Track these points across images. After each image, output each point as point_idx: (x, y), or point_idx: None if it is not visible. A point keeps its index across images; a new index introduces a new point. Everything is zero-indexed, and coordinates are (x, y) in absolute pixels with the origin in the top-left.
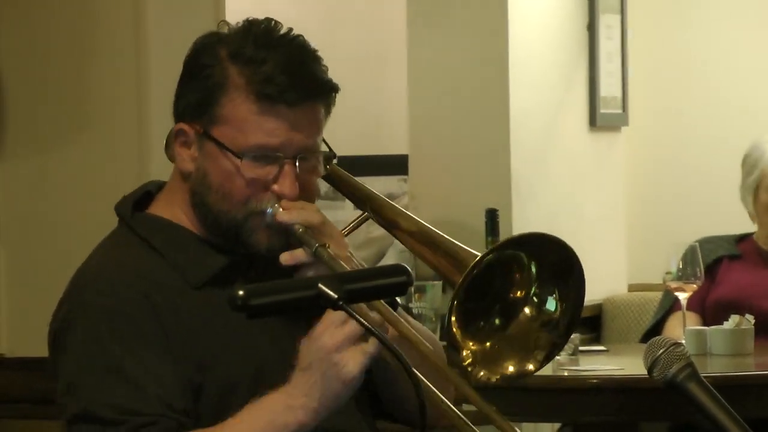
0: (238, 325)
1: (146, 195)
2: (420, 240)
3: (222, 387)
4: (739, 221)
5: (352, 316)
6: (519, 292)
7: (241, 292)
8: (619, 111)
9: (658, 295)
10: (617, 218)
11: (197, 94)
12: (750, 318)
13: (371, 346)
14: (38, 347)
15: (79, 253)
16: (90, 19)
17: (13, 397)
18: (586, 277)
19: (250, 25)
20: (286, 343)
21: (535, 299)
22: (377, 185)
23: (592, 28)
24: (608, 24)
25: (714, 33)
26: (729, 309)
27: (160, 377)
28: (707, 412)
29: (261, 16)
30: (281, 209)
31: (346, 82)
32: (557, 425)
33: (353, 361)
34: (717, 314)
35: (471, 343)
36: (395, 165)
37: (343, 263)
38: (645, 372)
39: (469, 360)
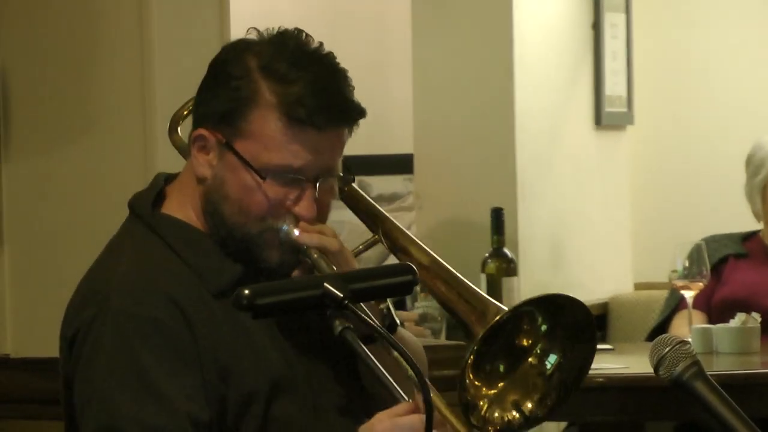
0: (255, 334)
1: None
2: (432, 273)
3: (242, 396)
4: (744, 220)
5: (357, 315)
6: (526, 341)
7: (246, 292)
8: (625, 110)
9: (663, 294)
10: (623, 217)
11: (224, 104)
12: (756, 316)
13: None
14: (43, 348)
15: (83, 253)
16: (94, 19)
17: (18, 398)
18: (591, 275)
19: (282, 37)
20: (302, 352)
21: (539, 351)
22: (382, 185)
23: (597, 27)
24: (613, 23)
25: (719, 32)
26: (735, 308)
27: (190, 391)
28: (713, 411)
29: (266, 18)
30: (296, 230)
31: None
32: (563, 424)
33: None
34: (723, 313)
35: (482, 387)
36: (400, 164)
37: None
38: (651, 371)
39: (485, 407)
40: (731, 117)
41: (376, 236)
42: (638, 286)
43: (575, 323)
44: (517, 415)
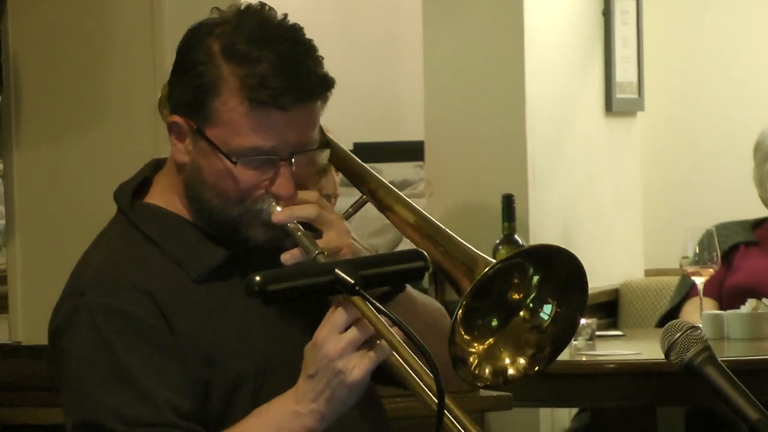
0: (241, 318)
1: (144, 181)
2: (420, 232)
3: (228, 382)
4: (755, 206)
5: (368, 301)
6: (517, 295)
7: (258, 278)
8: (635, 96)
9: (674, 280)
10: (633, 203)
11: (191, 91)
12: (767, 302)
13: (377, 352)
14: None
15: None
16: (106, 7)
17: (30, 385)
18: (602, 262)
19: (242, 14)
20: (289, 335)
21: (531, 304)
22: (394, 171)
23: (607, 13)
24: (624, 9)
25: (730, 18)
26: (746, 295)
27: (169, 380)
28: (724, 396)
29: (277, 4)
30: (278, 207)
31: (362, 69)
32: (575, 410)
33: (358, 368)
34: (734, 300)
35: (473, 343)
36: (412, 151)
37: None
38: (662, 356)
39: (475, 363)
40: (742, 103)
41: (364, 196)
42: (649, 273)
43: (567, 274)
44: (511, 371)
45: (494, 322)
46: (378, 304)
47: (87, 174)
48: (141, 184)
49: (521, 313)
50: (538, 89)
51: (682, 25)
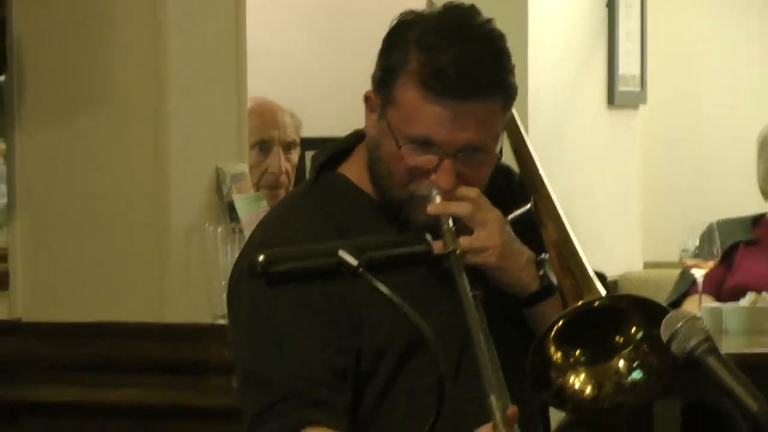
0: (387, 298)
1: (343, 151)
2: (556, 250)
3: (373, 352)
4: (754, 201)
5: (370, 284)
6: (619, 339)
7: (261, 258)
8: (638, 89)
9: (673, 273)
10: (633, 196)
11: (381, 70)
12: (767, 296)
13: None
14: (54, 312)
15: (93, 222)
16: None
17: (30, 363)
18: (601, 253)
19: (446, 10)
20: (437, 316)
21: (624, 359)
22: None
23: (611, 5)
24: (628, 2)
25: (733, 13)
26: (746, 295)
27: (324, 342)
28: (726, 386)
29: None
30: (437, 198)
31: (364, 61)
32: None
33: None
34: (734, 300)
35: (559, 361)
36: None
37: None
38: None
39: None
40: (744, 98)
41: (530, 204)
42: (648, 265)
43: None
44: (579, 398)
45: (580, 354)
46: (381, 285)
47: (88, 156)
48: (344, 151)
49: (612, 361)
50: (540, 81)
51: (686, 18)
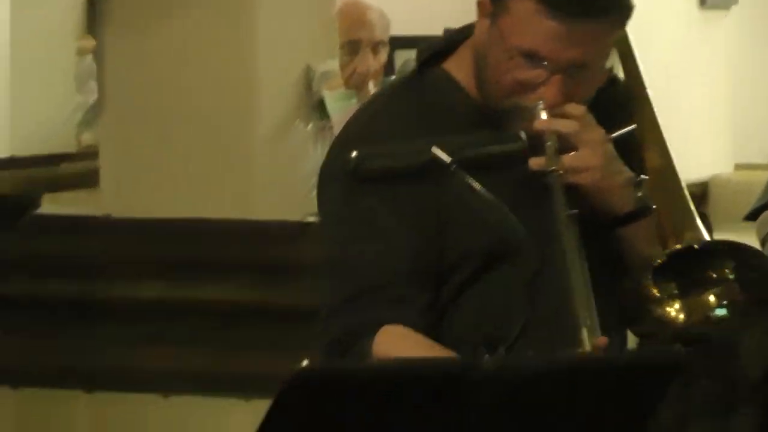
0: (480, 198)
1: (446, 49)
2: (656, 177)
3: (458, 253)
4: None
5: (463, 181)
6: (711, 274)
7: (354, 154)
8: None
9: (765, 175)
10: (723, 97)
11: None
12: None
13: None
14: (143, 209)
15: (183, 120)
16: None
17: (119, 259)
18: (690, 154)
19: None
20: (526, 222)
21: (715, 295)
22: None
23: None
24: None
25: None
26: None
27: (409, 234)
28: None
29: None
30: (543, 113)
31: None
32: None
33: None
34: None
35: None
36: None
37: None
38: None
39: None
40: None
41: (635, 125)
42: (739, 167)
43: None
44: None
45: (675, 288)
46: (474, 182)
47: (177, 54)
48: (447, 49)
49: (703, 295)
50: None
51: None
